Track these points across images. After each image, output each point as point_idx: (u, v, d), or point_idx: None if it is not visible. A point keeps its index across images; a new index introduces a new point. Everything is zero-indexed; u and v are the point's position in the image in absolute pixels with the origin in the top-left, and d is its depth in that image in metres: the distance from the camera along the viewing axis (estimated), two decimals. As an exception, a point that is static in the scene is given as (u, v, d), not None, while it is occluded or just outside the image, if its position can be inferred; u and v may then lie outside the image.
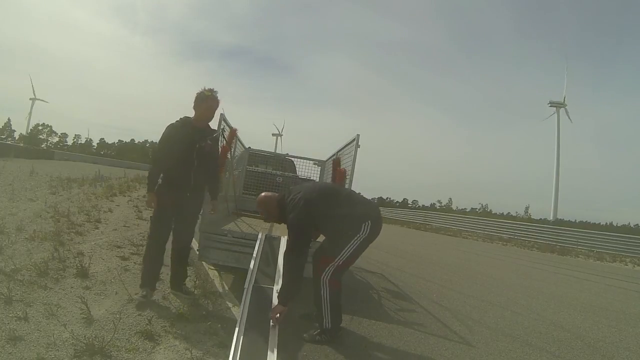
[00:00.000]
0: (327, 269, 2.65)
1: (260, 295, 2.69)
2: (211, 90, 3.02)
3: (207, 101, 3.02)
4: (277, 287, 2.69)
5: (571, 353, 3.10)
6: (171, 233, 3.06)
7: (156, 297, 3.02)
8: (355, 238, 2.65)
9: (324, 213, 2.67)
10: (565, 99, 41.03)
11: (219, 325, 2.57)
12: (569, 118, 40.82)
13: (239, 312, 2.53)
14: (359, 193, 3.06)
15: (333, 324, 2.65)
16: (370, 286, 4.68)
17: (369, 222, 2.68)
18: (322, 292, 2.66)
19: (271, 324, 2.42)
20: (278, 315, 2.49)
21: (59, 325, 2.21)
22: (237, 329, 2.22)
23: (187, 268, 3.28)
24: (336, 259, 2.65)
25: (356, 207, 2.75)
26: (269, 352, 2.08)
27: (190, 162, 2.95)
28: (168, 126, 3.01)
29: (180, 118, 3.07)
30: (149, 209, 3.11)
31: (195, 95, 3.03)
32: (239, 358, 2.02)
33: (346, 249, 2.65)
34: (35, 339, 2.05)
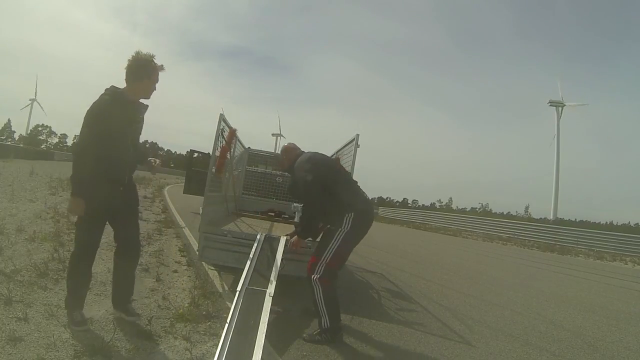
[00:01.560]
0: (316, 268, 2.67)
1: (252, 298, 2.66)
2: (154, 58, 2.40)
3: (156, 73, 2.40)
4: (269, 290, 2.67)
5: (571, 352, 3.10)
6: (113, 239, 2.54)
7: (156, 297, 3.02)
8: (338, 232, 2.67)
9: (323, 176, 2.77)
10: (563, 99, 41.02)
11: (219, 325, 2.57)
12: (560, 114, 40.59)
13: (229, 314, 2.48)
14: (357, 184, 3.11)
15: (331, 322, 2.64)
16: (370, 286, 4.68)
17: (352, 214, 2.68)
18: (315, 291, 2.67)
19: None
20: (293, 245, 2.96)
21: (59, 326, 2.22)
22: (224, 332, 2.20)
23: (134, 282, 2.64)
24: (322, 257, 2.66)
25: (344, 193, 2.77)
26: (254, 355, 2.05)
27: (126, 148, 2.35)
28: (97, 104, 2.25)
29: (109, 89, 2.33)
30: (73, 216, 2.40)
31: (134, 60, 2.34)
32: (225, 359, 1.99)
33: (330, 245, 2.67)
34: (35, 339, 2.05)
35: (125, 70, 2.34)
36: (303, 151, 3.14)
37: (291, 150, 3.17)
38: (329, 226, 2.81)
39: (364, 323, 3.14)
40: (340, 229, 2.66)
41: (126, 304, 2.54)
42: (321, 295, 2.65)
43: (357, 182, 3.13)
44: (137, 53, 2.34)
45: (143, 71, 2.34)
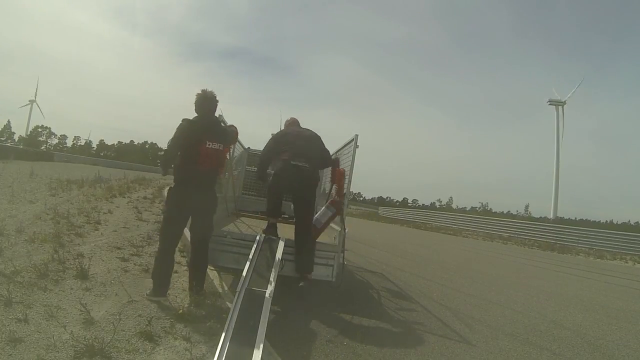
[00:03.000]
0: None
1: (252, 298, 2.66)
2: None
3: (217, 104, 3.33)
4: (269, 291, 2.66)
5: (572, 351, 3.10)
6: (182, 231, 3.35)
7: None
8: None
9: (272, 148, 3.86)
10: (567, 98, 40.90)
11: (219, 325, 2.57)
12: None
13: (229, 315, 2.46)
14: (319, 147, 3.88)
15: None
16: (370, 286, 4.68)
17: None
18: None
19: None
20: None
21: (59, 327, 2.21)
22: (224, 333, 2.19)
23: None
24: None
25: (278, 159, 3.73)
26: (254, 355, 2.04)
27: None
28: None
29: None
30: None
31: (203, 96, 3.10)
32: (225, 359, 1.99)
33: None
34: (35, 340, 2.05)
35: (195, 104, 3.06)
36: (295, 128, 4.00)
37: (286, 124, 4.12)
38: None
39: (364, 323, 3.14)
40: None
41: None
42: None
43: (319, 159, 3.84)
44: (204, 91, 3.06)
45: (212, 104, 3.10)
